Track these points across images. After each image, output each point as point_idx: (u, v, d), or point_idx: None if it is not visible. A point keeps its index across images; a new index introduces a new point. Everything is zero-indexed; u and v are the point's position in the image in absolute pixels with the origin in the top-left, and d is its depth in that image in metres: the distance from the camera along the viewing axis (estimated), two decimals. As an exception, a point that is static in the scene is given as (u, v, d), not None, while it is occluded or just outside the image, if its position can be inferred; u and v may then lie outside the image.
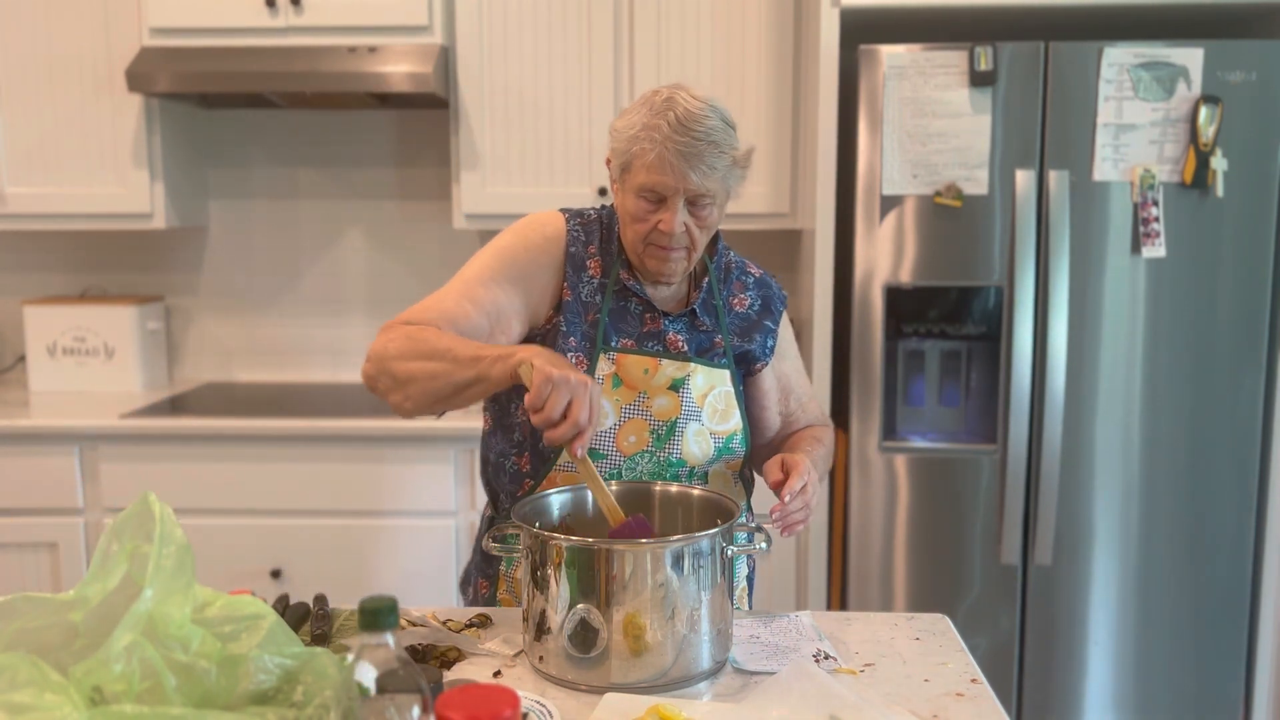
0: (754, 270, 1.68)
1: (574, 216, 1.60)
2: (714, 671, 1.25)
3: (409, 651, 1.28)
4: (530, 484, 1.53)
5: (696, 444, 1.52)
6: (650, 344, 1.55)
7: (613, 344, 1.52)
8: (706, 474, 1.54)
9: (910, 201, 2.49)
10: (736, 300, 1.63)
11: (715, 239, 1.66)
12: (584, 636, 1.19)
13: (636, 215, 1.48)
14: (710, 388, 1.54)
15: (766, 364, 1.62)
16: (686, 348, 1.56)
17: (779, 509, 1.39)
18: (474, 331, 1.45)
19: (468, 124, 2.88)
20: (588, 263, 1.56)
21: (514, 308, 1.51)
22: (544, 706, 1.16)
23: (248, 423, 2.66)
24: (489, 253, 1.55)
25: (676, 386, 1.52)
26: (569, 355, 1.50)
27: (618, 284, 1.55)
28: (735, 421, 1.56)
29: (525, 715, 1.16)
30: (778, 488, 1.41)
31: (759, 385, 1.63)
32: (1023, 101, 2.44)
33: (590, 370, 1.50)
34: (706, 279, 1.61)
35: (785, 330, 1.69)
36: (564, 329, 1.52)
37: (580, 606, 1.19)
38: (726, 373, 1.57)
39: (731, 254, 1.67)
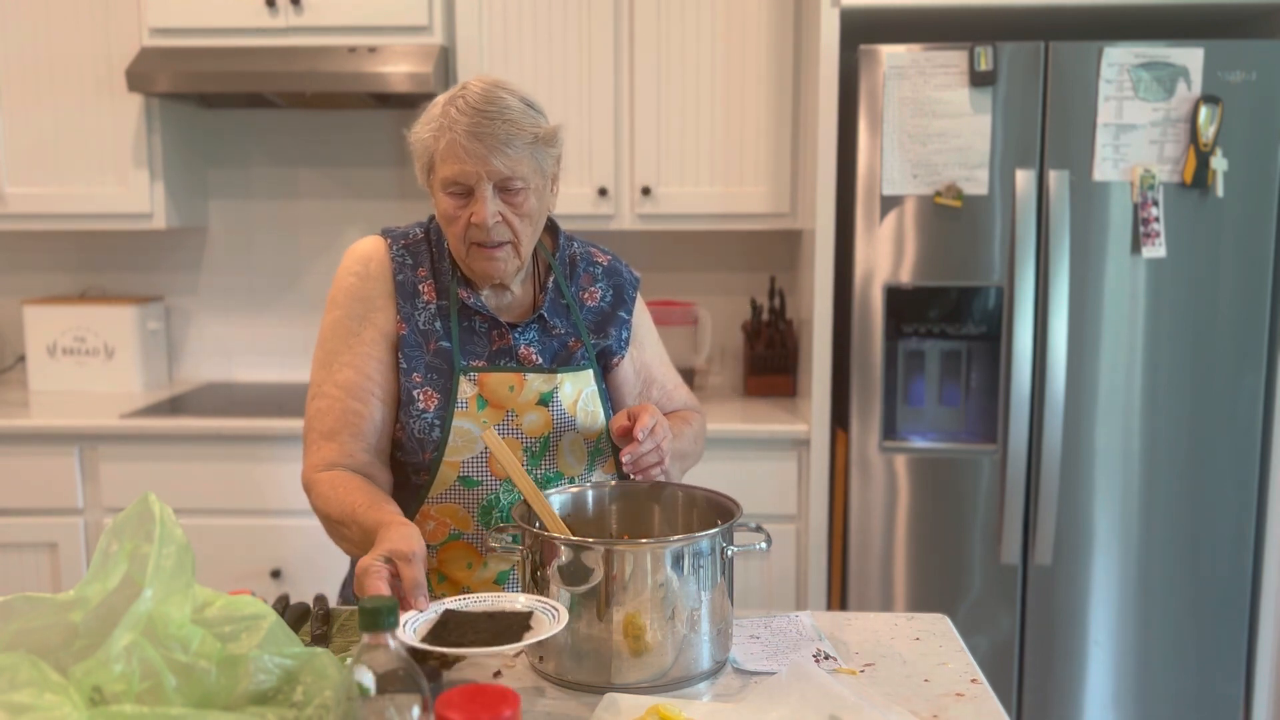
0: (601, 258, 1.60)
1: (396, 240, 1.53)
2: (714, 671, 1.25)
3: (409, 651, 1.28)
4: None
5: (572, 454, 1.49)
6: (504, 361, 1.48)
7: (466, 366, 1.46)
8: (586, 483, 1.50)
9: (910, 201, 2.49)
10: (587, 294, 1.56)
11: (556, 232, 1.59)
12: (584, 637, 1.19)
13: (449, 214, 1.41)
14: (579, 393, 1.50)
15: (622, 357, 1.57)
16: (540, 359, 1.49)
17: (631, 449, 1.36)
18: (373, 427, 1.45)
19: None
20: (420, 288, 1.49)
21: (387, 350, 1.48)
22: (552, 606, 1.16)
23: (248, 423, 2.66)
24: (331, 327, 1.49)
25: (545, 401, 1.47)
26: (415, 392, 1.44)
27: (458, 303, 1.48)
28: (601, 421, 1.52)
29: (530, 614, 1.16)
30: (625, 435, 1.39)
31: (617, 378, 1.58)
32: (1023, 101, 2.44)
33: (448, 398, 1.44)
34: (552, 277, 1.54)
35: (640, 316, 1.63)
36: (404, 366, 1.46)
37: (580, 607, 1.19)
38: (590, 373, 1.52)
39: (575, 244, 1.60)
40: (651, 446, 1.38)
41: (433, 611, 1.17)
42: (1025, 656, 2.59)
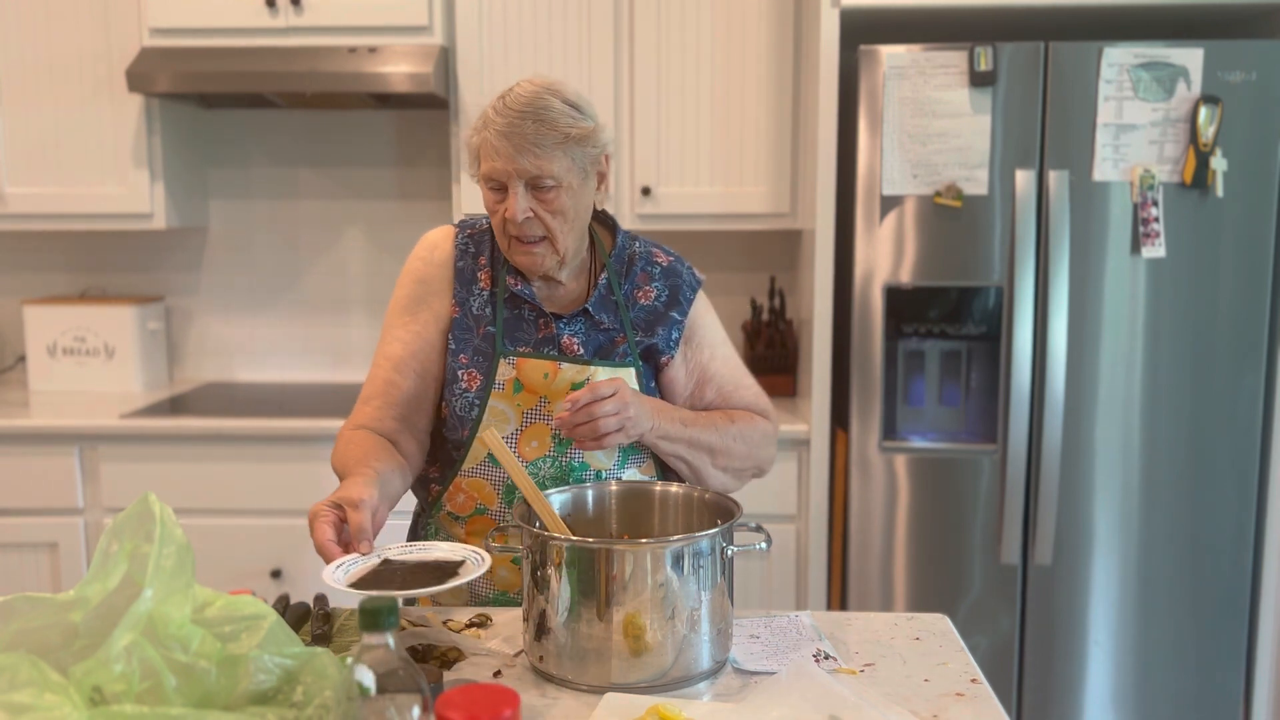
0: (662, 259, 1.62)
1: (464, 230, 1.62)
2: (714, 671, 1.25)
3: (409, 651, 1.28)
4: (437, 489, 1.57)
5: (601, 447, 1.49)
6: (547, 349, 1.53)
7: (509, 350, 1.52)
8: (619, 478, 1.53)
9: (910, 201, 2.49)
10: (641, 293, 1.58)
11: (614, 230, 1.63)
12: (584, 636, 1.19)
13: (490, 208, 1.49)
14: None
15: (671, 357, 1.58)
16: (583, 350, 1.53)
17: (560, 417, 1.39)
18: (407, 399, 1.53)
19: (468, 124, 2.87)
20: (478, 275, 1.57)
21: (438, 332, 1.56)
22: (478, 554, 1.24)
23: (248, 423, 2.66)
24: (394, 304, 1.60)
25: (575, 390, 1.49)
26: (460, 372, 1.53)
27: (506, 292, 1.55)
28: None
29: (462, 562, 1.22)
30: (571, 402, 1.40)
31: (668, 377, 1.59)
32: (1023, 101, 2.44)
33: (489, 379, 1.51)
34: (604, 274, 1.57)
35: (702, 317, 1.62)
36: (453, 347, 1.54)
37: (580, 607, 1.19)
38: (632, 370, 1.54)
39: (638, 243, 1.63)
40: (585, 419, 1.39)
41: (374, 558, 1.24)
42: (1025, 656, 2.59)
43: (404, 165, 3.24)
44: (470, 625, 1.39)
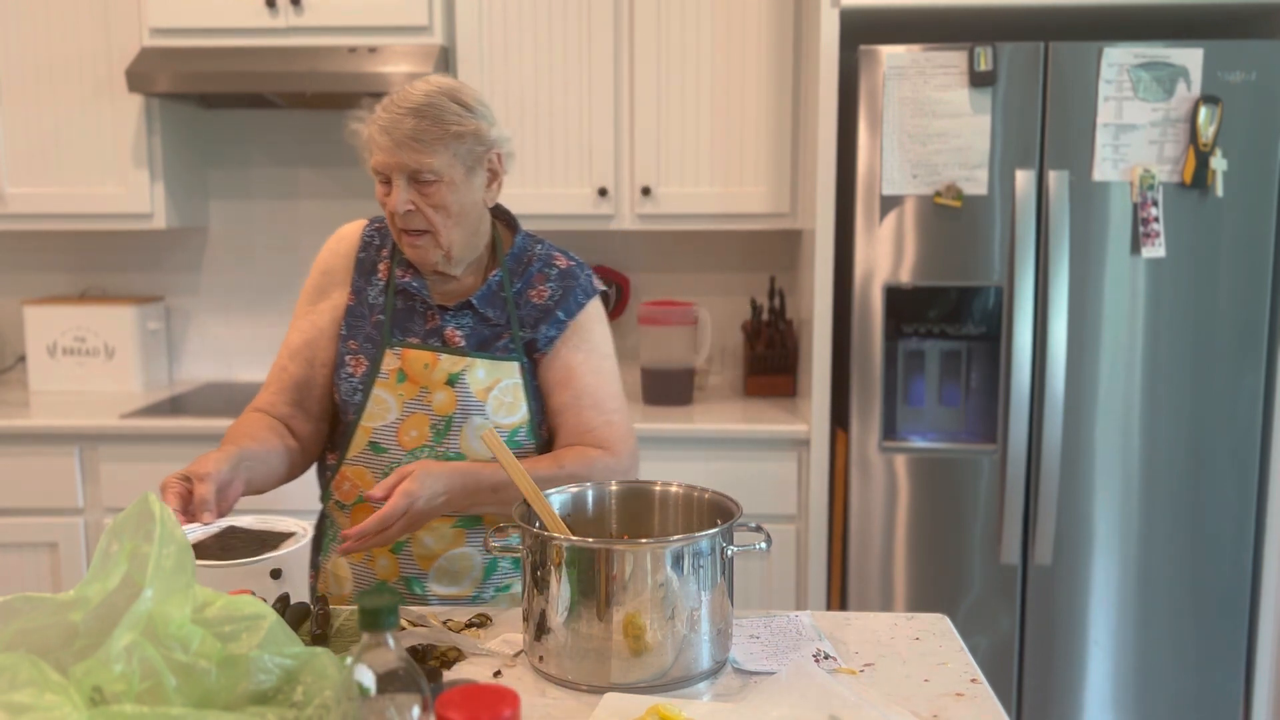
0: (562, 262, 1.63)
1: (375, 222, 1.68)
2: (714, 671, 1.25)
3: (409, 651, 1.28)
4: (329, 476, 1.65)
5: (478, 438, 1.53)
6: (432, 340, 1.57)
7: (396, 340, 1.57)
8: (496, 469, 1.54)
9: (910, 201, 2.49)
10: (534, 292, 1.60)
11: (514, 229, 1.66)
12: (584, 636, 1.19)
13: (380, 200, 1.53)
14: (495, 381, 1.55)
15: (545, 354, 1.59)
16: (464, 342, 1.57)
17: (352, 532, 1.37)
18: (297, 384, 1.62)
19: (468, 124, 2.88)
20: (379, 266, 1.63)
21: (332, 321, 1.62)
22: (301, 528, 1.30)
23: (248, 423, 2.66)
24: (301, 294, 1.68)
25: (453, 381, 1.54)
26: (347, 358, 1.58)
27: (397, 284, 1.59)
28: (521, 414, 1.57)
29: (291, 534, 1.30)
30: (370, 500, 1.39)
31: (541, 374, 1.60)
32: (1023, 101, 2.44)
33: (375, 367, 1.56)
34: (496, 270, 1.60)
35: (591, 327, 1.62)
36: (344, 334, 1.61)
37: (580, 607, 1.19)
38: (515, 364, 1.57)
39: (540, 246, 1.65)
40: (378, 542, 1.40)
41: (216, 527, 1.34)
42: (1025, 656, 2.59)
43: (404, 165, 3.24)
44: (470, 625, 1.39)
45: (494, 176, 1.55)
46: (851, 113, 2.55)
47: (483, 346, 1.57)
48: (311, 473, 1.72)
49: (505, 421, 1.56)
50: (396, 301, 1.59)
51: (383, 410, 1.56)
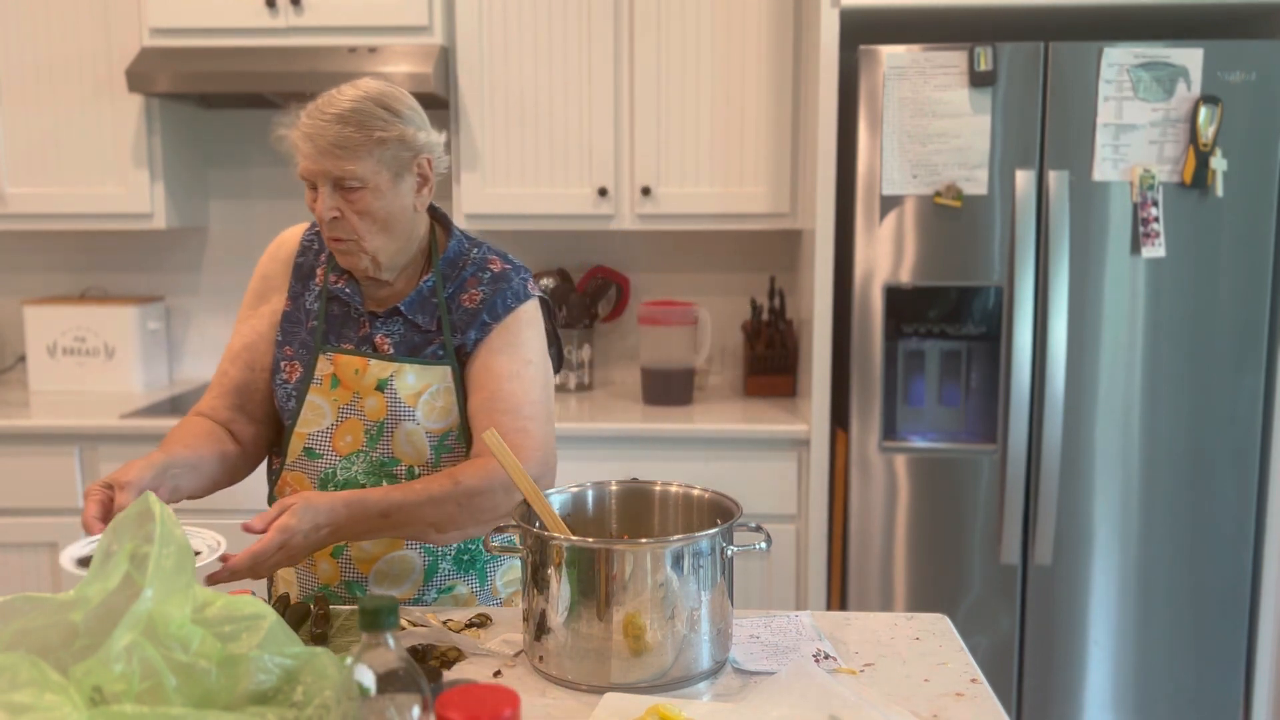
0: (496, 266, 1.59)
1: (313, 227, 1.67)
2: (714, 671, 1.25)
3: (409, 651, 1.28)
4: (273, 481, 1.63)
5: (410, 444, 1.53)
6: (364, 347, 1.56)
7: (330, 346, 1.56)
8: (428, 473, 1.53)
9: (910, 201, 2.49)
10: (467, 296, 1.57)
11: (449, 233, 1.63)
12: (584, 636, 1.19)
13: (309, 206, 1.51)
14: (425, 386, 1.53)
15: (472, 357, 1.55)
16: (393, 349, 1.55)
17: (230, 562, 1.31)
18: (237, 388, 1.61)
19: (468, 124, 2.88)
20: (316, 271, 1.62)
21: (270, 325, 1.62)
22: (217, 541, 1.30)
23: (248, 423, 2.66)
24: (244, 299, 1.68)
25: (382, 387, 1.53)
26: (282, 363, 1.58)
27: (329, 290, 1.58)
28: (453, 418, 1.55)
29: (198, 554, 1.25)
30: (248, 531, 1.33)
31: (465, 376, 1.56)
32: (1023, 101, 2.44)
33: (309, 373, 1.55)
34: (429, 276, 1.58)
35: (520, 331, 1.56)
36: (280, 339, 1.60)
37: (580, 607, 1.19)
38: (446, 369, 1.54)
39: (478, 249, 1.61)
40: (254, 576, 1.36)
41: None
42: (1025, 656, 2.59)
43: (404, 165, 3.24)
44: (470, 625, 1.39)
45: (424, 181, 1.52)
46: (851, 113, 2.55)
47: (413, 352, 1.55)
48: (262, 474, 1.69)
49: (435, 426, 1.54)
50: (331, 307, 1.58)
51: (317, 416, 1.55)
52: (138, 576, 0.95)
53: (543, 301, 1.62)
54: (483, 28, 2.85)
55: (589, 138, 2.87)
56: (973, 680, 1.25)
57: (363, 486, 1.50)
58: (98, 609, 0.95)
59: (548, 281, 3.11)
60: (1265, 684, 2.58)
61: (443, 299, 1.57)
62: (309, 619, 1.39)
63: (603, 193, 2.87)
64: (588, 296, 3.13)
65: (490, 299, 1.56)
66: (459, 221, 2.92)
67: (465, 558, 1.61)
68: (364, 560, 1.56)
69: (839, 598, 2.71)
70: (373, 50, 2.76)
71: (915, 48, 2.44)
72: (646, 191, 2.86)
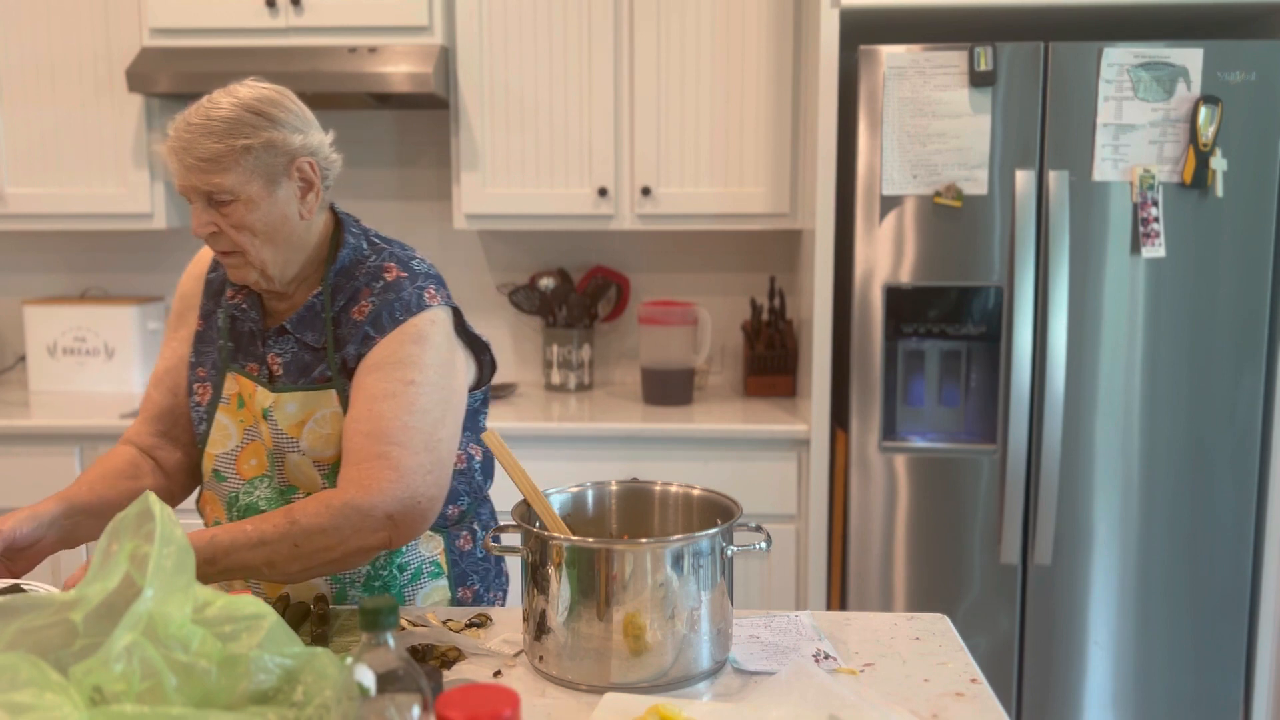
0: (391, 274, 1.45)
1: None
2: (714, 671, 1.25)
3: (409, 651, 1.28)
4: (198, 501, 1.59)
5: (299, 473, 1.45)
6: (262, 368, 1.48)
7: (236, 365, 1.50)
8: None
9: (910, 201, 2.49)
10: (357, 309, 1.44)
11: (340, 244, 1.49)
12: (584, 636, 1.19)
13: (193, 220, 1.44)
14: (309, 414, 1.43)
15: (355, 371, 1.43)
16: (283, 370, 1.45)
17: None
18: (161, 413, 1.57)
19: (468, 124, 2.88)
20: (227, 287, 1.55)
21: (189, 346, 1.57)
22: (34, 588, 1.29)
23: (248, 423, 2.66)
24: (168, 317, 1.65)
25: (266, 415, 1.44)
26: (195, 385, 1.53)
27: (227, 307, 1.52)
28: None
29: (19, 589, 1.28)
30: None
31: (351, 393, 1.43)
32: (1023, 101, 2.44)
33: (218, 393, 1.50)
34: (319, 290, 1.47)
35: (401, 344, 1.40)
36: (193, 360, 1.55)
37: (580, 607, 1.19)
38: (332, 392, 1.43)
39: (376, 256, 1.48)
40: None
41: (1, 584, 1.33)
42: (1025, 656, 2.59)
43: (404, 165, 3.24)
44: (470, 625, 1.39)
45: (309, 187, 1.41)
46: (851, 113, 2.55)
47: (304, 372, 1.44)
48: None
49: (326, 454, 1.43)
50: (237, 324, 1.51)
51: (224, 437, 1.49)
52: (138, 576, 0.95)
53: (455, 310, 1.49)
54: (483, 28, 2.85)
55: (589, 138, 2.87)
56: (972, 680, 1.25)
57: (263, 511, 1.42)
58: (98, 609, 0.95)
59: (548, 281, 3.12)
60: (1265, 684, 2.58)
61: (330, 314, 1.44)
62: (309, 619, 1.39)
63: (603, 193, 2.87)
64: (588, 296, 3.13)
65: (377, 311, 1.42)
66: (459, 223, 2.92)
67: (377, 584, 1.49)
68: (272, 590, 1.49)
69: (839, 598, 2.71)
70: (373, 50, 2.76)
71: (915, 48, 2.44)
72: (646, 191, 2.86)
